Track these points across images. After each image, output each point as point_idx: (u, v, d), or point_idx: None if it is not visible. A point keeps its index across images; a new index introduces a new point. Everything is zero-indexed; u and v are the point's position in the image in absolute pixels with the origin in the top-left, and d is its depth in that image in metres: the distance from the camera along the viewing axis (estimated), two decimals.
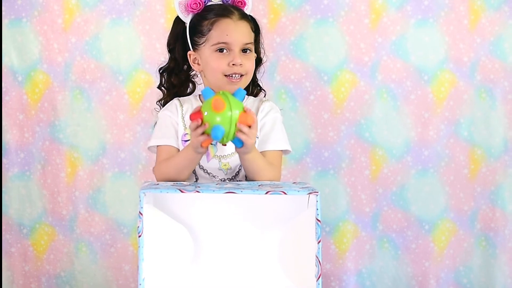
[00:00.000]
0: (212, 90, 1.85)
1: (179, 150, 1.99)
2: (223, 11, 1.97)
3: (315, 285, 1.71)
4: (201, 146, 1.83)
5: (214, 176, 1.99)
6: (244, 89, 2.04)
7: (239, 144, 1.84)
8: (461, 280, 2.86)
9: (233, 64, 1.96)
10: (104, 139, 2.78)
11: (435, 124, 2.81)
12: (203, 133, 1.82)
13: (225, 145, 1.86)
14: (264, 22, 2.68)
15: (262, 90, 2.13)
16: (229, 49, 1.96)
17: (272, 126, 2.01)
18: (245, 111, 1.81)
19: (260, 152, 1.97)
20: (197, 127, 1.81)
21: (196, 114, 1.82)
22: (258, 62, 2.08)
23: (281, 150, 2.02)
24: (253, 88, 2.11)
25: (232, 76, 1.97)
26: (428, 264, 2.84)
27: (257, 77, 2.10)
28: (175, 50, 2.06)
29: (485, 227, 2.85)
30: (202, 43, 1.99)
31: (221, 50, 1.97)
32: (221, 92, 1.83)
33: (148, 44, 2.74)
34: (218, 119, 1.79)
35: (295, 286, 1.82)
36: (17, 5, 2.72)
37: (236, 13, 1.97)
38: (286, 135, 2.03)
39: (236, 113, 1.80)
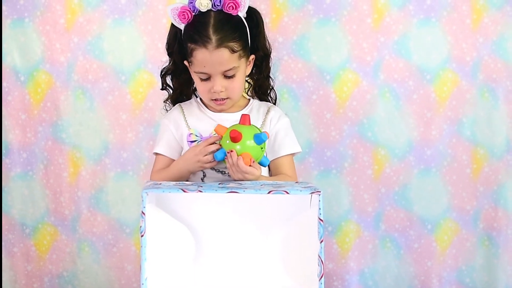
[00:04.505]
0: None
1: (170, 159, 2.06)
2: (200, 39, 1.94)
3: (317, 284, 1.71)
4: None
5: (222, 172, 2.00)
6: (256, 86, 2.14)
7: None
8: (464, 280, 2.86)
9: (214, 92, 1.99)
10: (106, 139, 2.78)
11: (437, 124, 2.81)
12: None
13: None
14: (266, 21, 2.67)
15: (272, 83, 2.17)
16: (209, 76, 1.98)
17: (286, 131, 2.08)
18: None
19: (276, 158, 2.05)
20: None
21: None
22: (264, 57, 2.09)
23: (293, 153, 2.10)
24: (265, 83, 2.14)
25: (216, 99, 2.02)
26: (431, 263, 2.84)
27: (269, 69, 2.13)
28: (174, 54, 2.07)
29: (487, 226, 2.85)
30: (190, 62, 2.00)
31: (203, 78, 1.99)
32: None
33: (151, 44, 2.74)
34: (238, 147, 1.90)
35: (297, 286, 1.82)
36: (20, 5, 2.73)
37: (213, 39, 1.93)
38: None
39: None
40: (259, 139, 1.90)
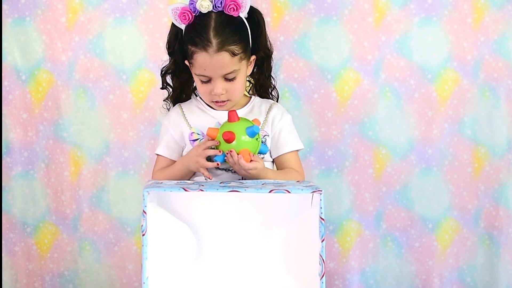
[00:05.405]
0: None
1: (170, 159, 2.08)
2: (201, 42, 1.93)
3: (319, 283, 1.71)
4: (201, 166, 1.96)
5: (226, 170, 2.00)
6: (258, 85, 2.14)
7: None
8: (465, 279, 2.86)
9: (214, 94, 1.99)
10: (107, 138, 2.78)
11: (438, 123, 2.81)
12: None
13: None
14: (268, 20, 2.65)
15: (273, 83, 2.16)
16: (210, 79, 1.98)
17: (289, 128, 2.08)
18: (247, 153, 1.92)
19: (280, 155, 2.05)
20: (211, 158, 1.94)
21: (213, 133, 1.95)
22: (266, 57, 2.08)
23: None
24: (266, 82, 2.14)
25: (217, 101, 2.02)
26: (432, 262, 2.84)
27: (270, 69, 2.13)
28: (174, 53, 2.06)
29: (488, 225, 2.85)
30: (191, 64, 2.00)
31: (203, 80, 1.99)
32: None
33: (152, 43, 2.74)
34: (234, 144, 1.91)
35: (299, 285, 1.82)
36: (21, 4, 2.73)
37: (213, 43, 1.92)
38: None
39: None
40: (252, 132, 1.91)
